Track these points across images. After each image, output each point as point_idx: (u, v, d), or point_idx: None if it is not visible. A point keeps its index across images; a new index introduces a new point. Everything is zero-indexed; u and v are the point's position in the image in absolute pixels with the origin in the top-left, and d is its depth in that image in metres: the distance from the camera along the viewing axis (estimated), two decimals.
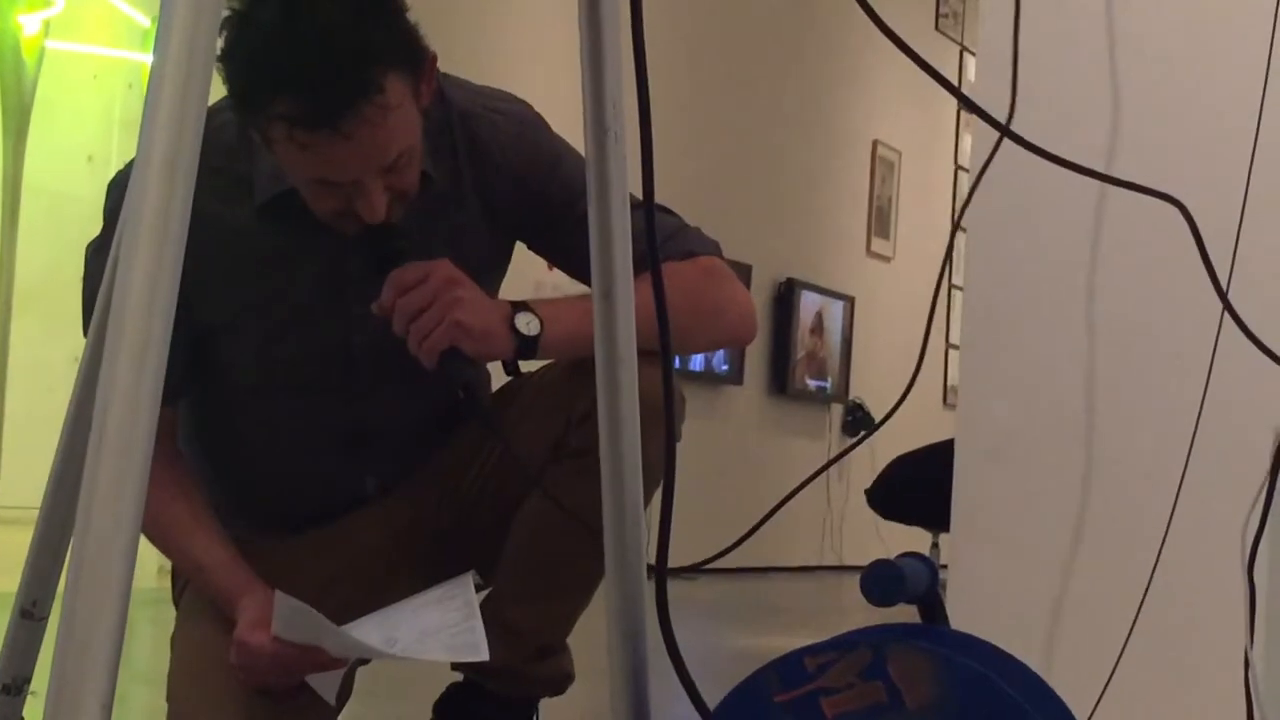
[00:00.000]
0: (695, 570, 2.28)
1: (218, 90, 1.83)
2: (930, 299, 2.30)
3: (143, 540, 2.14)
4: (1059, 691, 1.54)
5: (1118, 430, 2.47)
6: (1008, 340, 2.57)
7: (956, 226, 2.48)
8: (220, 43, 1.88)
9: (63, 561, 1.49)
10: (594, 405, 1.43)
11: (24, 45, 7.45)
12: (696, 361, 8.96)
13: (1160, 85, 2.48)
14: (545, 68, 6.86)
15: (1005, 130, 1.70)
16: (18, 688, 1.62)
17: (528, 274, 2.52)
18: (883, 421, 2.37)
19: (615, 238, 1.37)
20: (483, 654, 1.92)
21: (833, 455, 2.87)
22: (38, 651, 1.63)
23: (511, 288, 2.25)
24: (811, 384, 10.23)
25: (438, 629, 1.99)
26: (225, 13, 1.87)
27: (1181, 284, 2.30)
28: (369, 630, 2.02)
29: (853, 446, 2.91)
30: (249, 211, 2.09)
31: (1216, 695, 2.27)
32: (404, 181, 2.00)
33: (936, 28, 11.34)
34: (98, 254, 2.03)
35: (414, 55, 1.97)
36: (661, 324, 1.37)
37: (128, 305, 1.00)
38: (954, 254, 2.79)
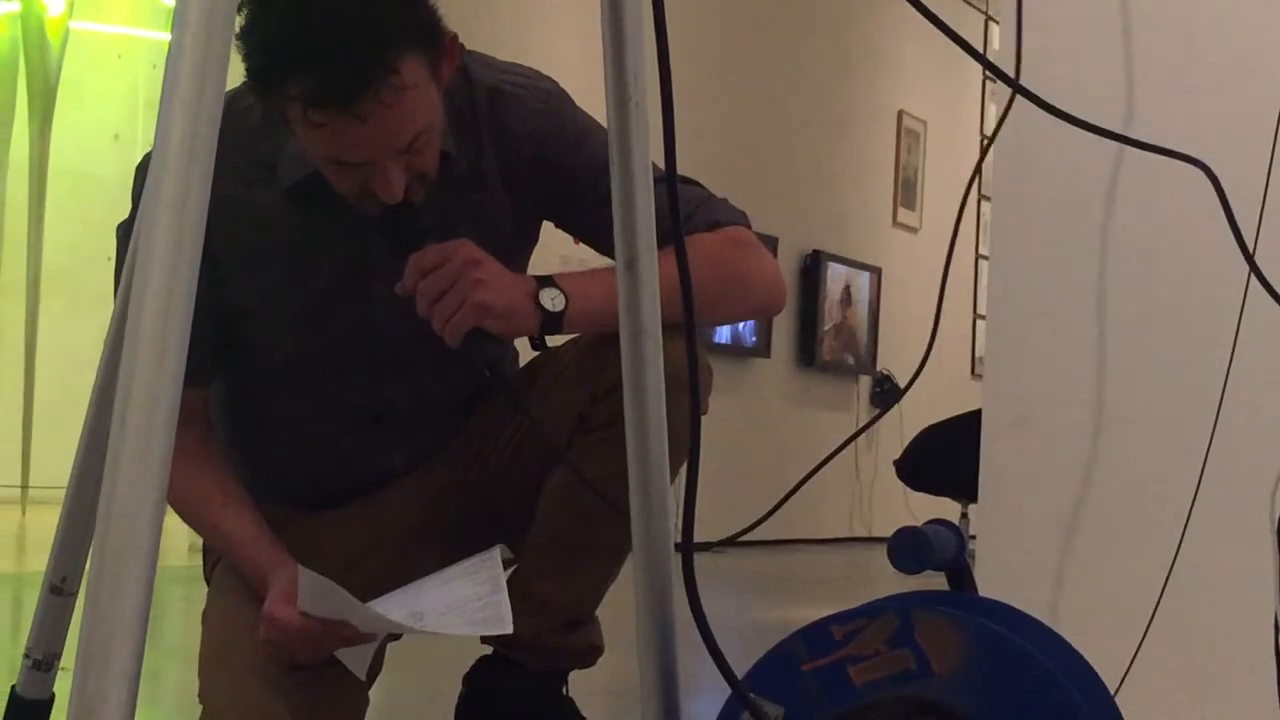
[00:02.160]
0: (724, 545, 2.28)
1: (239, 73, 1.84)
2: (957, 268, 2.29)
3: (174, 518, 2.15)
4: (1088, 658, 1.54)
5: (1145, 397, 2.46)
6: (1034, 310, 2.56)
7: (964, 196, 2.47)
8: (239, 21, 1.88)
9: (91, 537, 1.50)
10: (620, 378, 1.43)
11: (49, 26, 7.47)
12: (723, 334, 8.95)
13: (1184, 47, 2.47)
14: (567, 39, 6.85)
15: (1030, 95, 1.69)
16: (48, 663, 1.63)
17: (553, 248, 2.52)
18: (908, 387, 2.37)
19: (638, 208, 1.36)
20: (507, 628, 1.93)
21: (861, 427, 2.86)
22: (68, 627, 1.64)
23: (537, 262, 2.25)
24: (839, 356, 10.22)
25: (464, 603, 1.99)
26: None
27: (1207, 248, 2.29)
28: (395, 605, 2.02)
29: (873, 420, 2.91)
30: (275, 193, 2.10)
31: (1246, 660, 2.26)
32: (423, 161, 2.00)
33: None
34: (127, 236, 2.03)
35: (432, 35, 1.96)
36: (685, 295, 1.37)
37: (149, 283, 1.00)
38: (980, 224, 2.78)
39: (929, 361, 2.27)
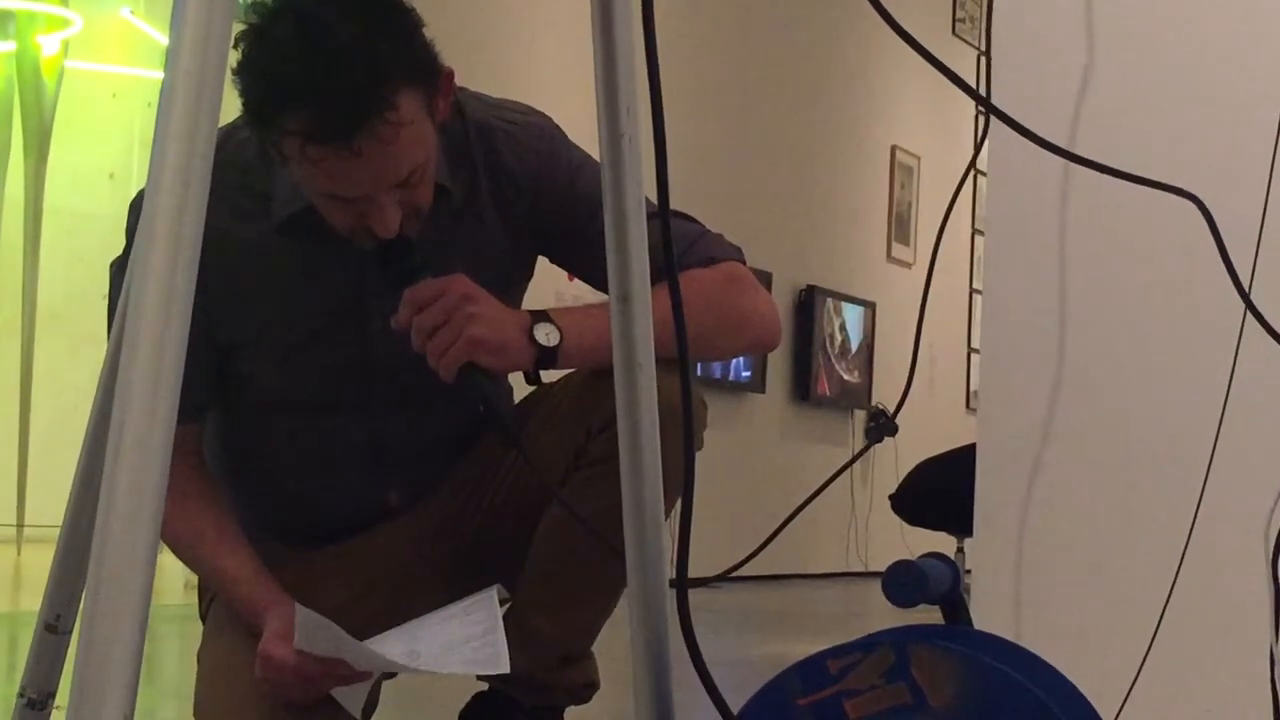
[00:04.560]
0: (718, 580, 2.28)
1: (233, 108, 1.84)
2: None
3: (169, 555, 2.15)
4: (1085, 692, 1.54)
5: (1140, 430, 2.46)
6: (1027, 343, 2.56)
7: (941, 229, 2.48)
8: (237, 56, 1.89)
9: (86, 575, 1.49)
10: (615, 413, 1.43)
11: (44, 65, 7.48)
12: (717, 369, 8.95)
13: (1178, 80, 2.47)
14: (560, 75, 6.87)
15: (1024, 130, 1.69)
16: (42, 702, 1.62)
17: (547, 285, 2.52)
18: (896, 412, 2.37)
19: (631, 242, 1.36)
20: (504, 666, 1.93)
21: (848, 460, 2.87)
22: (62, 666, 1.63)
23: (532, 298, 2.25)
24: (834, 391, 10.22)
25: (460, 642, 1.99)
26: (242, 27, 1.88)
27: (1202, 282, 2.29)
28: (391, 644, 2.02)
29: (861, 451, 2.90)
30: (268, 228, 2.10)
31: (1243, 694, 2.26)
32: (417, 197, 2.00)
33: (953, 32, 11.33)
34: (121, 272, 2.03)
35: (428, 72, 1.97)
36: (679, 330, 1.37)
37: (142, 318, 1.00)
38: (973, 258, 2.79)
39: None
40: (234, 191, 2.07)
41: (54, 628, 1.61)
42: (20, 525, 7.37)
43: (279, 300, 2.14)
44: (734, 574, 2.29)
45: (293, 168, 1.96)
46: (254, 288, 2.13)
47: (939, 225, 2.42)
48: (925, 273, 2.33)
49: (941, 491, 5.35)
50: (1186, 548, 2.28)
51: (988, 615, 2.49)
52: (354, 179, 1.93)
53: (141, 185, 2.04)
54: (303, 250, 2.11)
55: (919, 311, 2.40)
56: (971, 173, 2.50)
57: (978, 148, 2.51)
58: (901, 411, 2.53)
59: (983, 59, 2.52)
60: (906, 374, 2.47)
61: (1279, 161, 2.26)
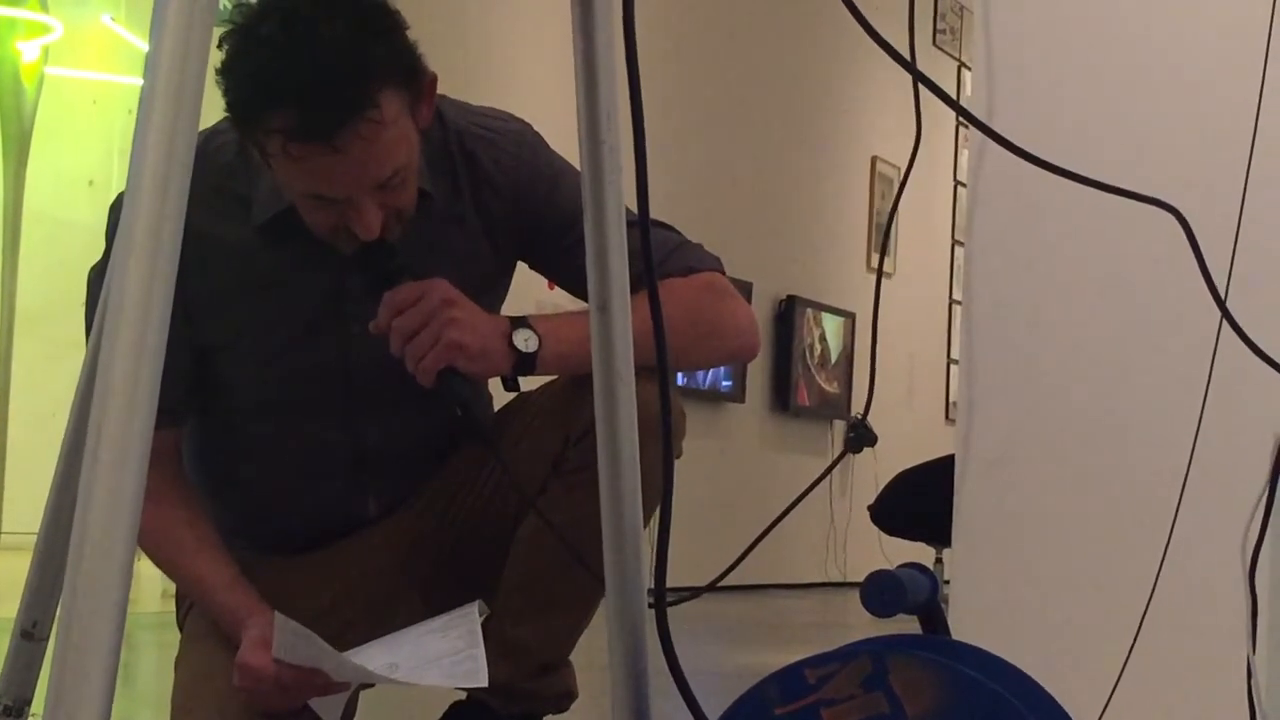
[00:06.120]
0: (697, 593, 2.28)
1: (213, 113, 1.84)
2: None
3: (147, 563, 2.14)
4: (1062, 703, 1.54)
5: (1118, 441, 2.47)
6: (1006, 353, 2.57)
7: (885, 238, 2.48)
8: (221, 56, 1.89)
9: (63, 581, 1.49)
10: (593, 422, 1.43)
11: (23, 71, 7.46)
12: (697, 378, 8.95)
13: (1156, 92, 2.48)
14: (542, 83, 6.87)
15: (1004, 141, 1.70)
16: (19, 709, 1.62)
17: (527, 293, 2.51)
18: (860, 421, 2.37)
19: (611, 251, 1.37)
20: (483, 681, 1.92)
21: (824, 470, 2.88)
22: (39, 673, 1.63)
23: (512, 306, 2.25)
24: (813, 401, 10.23)
25: (439, 655, 1.99)
26: (227, 26, 1.88)
27: (1179, 292, 2.30)
28: (371, 655, 2.02)
29: (837, 459, 2.90)
30: (248, 230, 2.10)
31: (1220, 704, 2.26)
32: (399, 200, 2.00)
33: (934, 44, 11.35)
34: (99, 278, 2.03)
35: (412, 74, 1.97)
36: (658, 339, 1.37)
37: (121, 326, 1.00)
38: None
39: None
40: (214, 193, 2.07)
41: (30, 635, 1.61)
42: None
43: (258, 302, 2.14)
44: (712, 587, 2.29)
45: (276, 167, 1.95)
46: (233, 289, 2.12)
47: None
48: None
49: (920, 502, 5.34)
50: (1164, 557, 2.29)
51: (965, 625, 2.50)
52: (336, 178, 1.93)
53: (121, 192, 2.04)
54: (282, 252, 2.10)
55: (871, 320, 2.41)
56: (911, 173, 2.50)
57: (915, 149, 2.52)
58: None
59: (963, 70, 2.53)
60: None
61: (1254, 171, 2.27)
